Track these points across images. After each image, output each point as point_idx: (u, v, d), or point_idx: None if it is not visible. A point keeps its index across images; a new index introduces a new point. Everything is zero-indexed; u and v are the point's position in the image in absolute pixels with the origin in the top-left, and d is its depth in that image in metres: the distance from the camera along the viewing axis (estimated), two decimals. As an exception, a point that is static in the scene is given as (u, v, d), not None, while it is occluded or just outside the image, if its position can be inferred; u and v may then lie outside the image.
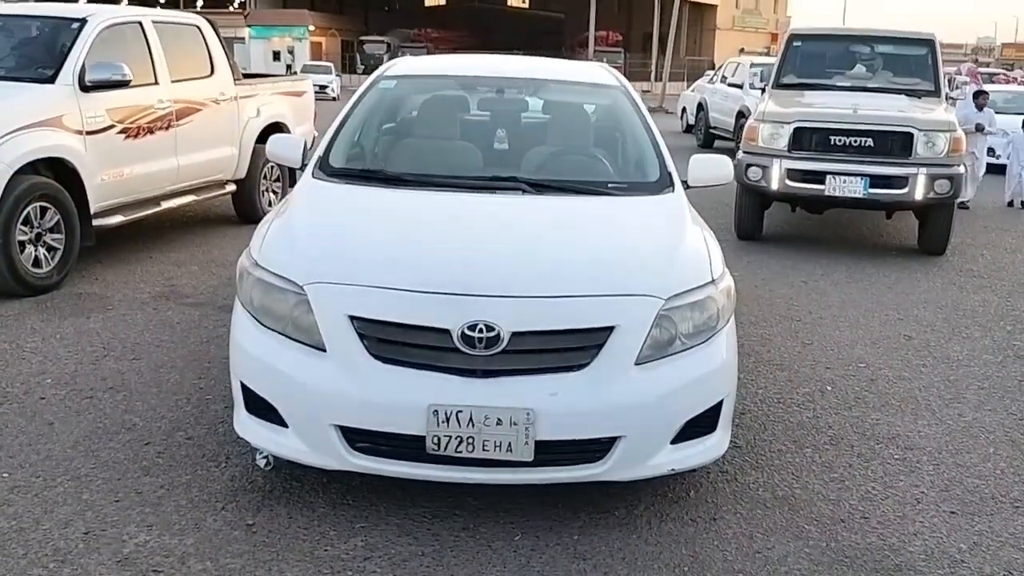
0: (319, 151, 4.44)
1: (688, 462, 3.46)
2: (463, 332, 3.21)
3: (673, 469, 3.44)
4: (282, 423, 3.42)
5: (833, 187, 8.33)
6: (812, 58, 10.06)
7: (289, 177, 9.63)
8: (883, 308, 6.80)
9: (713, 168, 4.52)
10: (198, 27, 8.37)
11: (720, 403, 3.50)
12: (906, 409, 4.76)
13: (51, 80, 6.57)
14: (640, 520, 3.52)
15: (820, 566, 3.26)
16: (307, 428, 3.35)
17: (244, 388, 3.50)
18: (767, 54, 62.48)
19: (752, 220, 8.95)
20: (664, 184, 4.29)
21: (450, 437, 3.17)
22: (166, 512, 3.47)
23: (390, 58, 57.22)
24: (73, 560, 3.13)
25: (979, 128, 11.72)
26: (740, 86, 17.53)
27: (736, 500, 3.70)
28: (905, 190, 8.28)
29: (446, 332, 3.23)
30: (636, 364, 3.30)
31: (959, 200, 10.14)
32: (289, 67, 44.96)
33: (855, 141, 8.39)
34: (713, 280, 3.58)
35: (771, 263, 8.17)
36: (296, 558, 3.19)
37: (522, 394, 3.20)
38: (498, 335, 3.20)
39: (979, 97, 12.19)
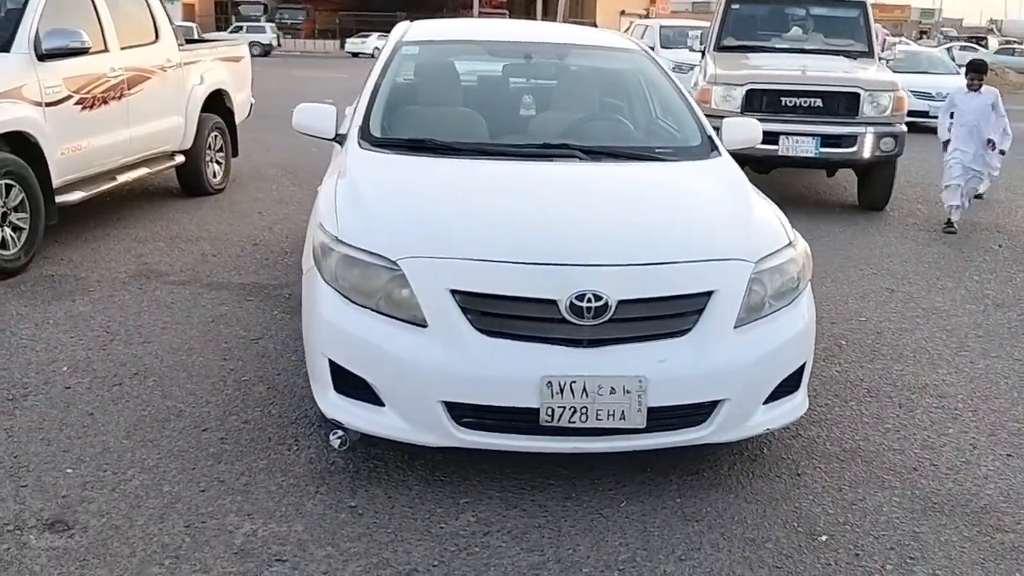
0: (357, 121, 4.31)
1: (779, 421, 3.55)
2: (571, 302, 3.19)
3: (768, 429, 3.53)
4: (377, 401, 3.34)
5: (787, 147, 8.58)
6: (748, 20, 10.28)
7: (232, 148, 9.32)
8: (855, 263, 7.07)
9: (744, 131, 4.60)
10: (140, -10, 7.93)
11: (804, 363, 3.60)
12: (922, 359, 4.99)
13: (5, 49, 6.14)
14: (730, 480, 3.60)
15: (915, 513, 3.40)
16: (410, 405, 3.28)
17: (334, 367, 3.39)
18: (647, 16, 63.31)
19: (705, 181, 9.11)
20: (708, 148, 4.34)
21: (564, 408, 3.16)
22: (259, 499, 3.35)
23: (267, 19, 54.81)
24: (187, 555, 3.00)
25: (990, 144, 8.30)
26: (652, 48, 17.79)
27: (809, 455, 3.82)
28: (854, 148, 8.60)
29: (553, 303, 3.22)
30: (734, 328, 3.35)
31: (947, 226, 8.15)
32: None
33: (805, 102, 8.65)
34: (791, 243, 3.67)
35: (731, 223, 8.36)
36: (416, 537, 3.14)
37: (632, 362, 3.22)
38: (606, 304, 3.21)
39: (974, 75, 8.26)
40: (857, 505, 3.45)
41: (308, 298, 3.58)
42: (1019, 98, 27.67)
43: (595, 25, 56.43)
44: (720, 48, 10.03)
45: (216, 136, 8.94)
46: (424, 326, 3.26)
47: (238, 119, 9.49)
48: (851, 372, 4.76)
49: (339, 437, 3.62)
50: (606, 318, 3.22)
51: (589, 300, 3.20)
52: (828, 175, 9.87)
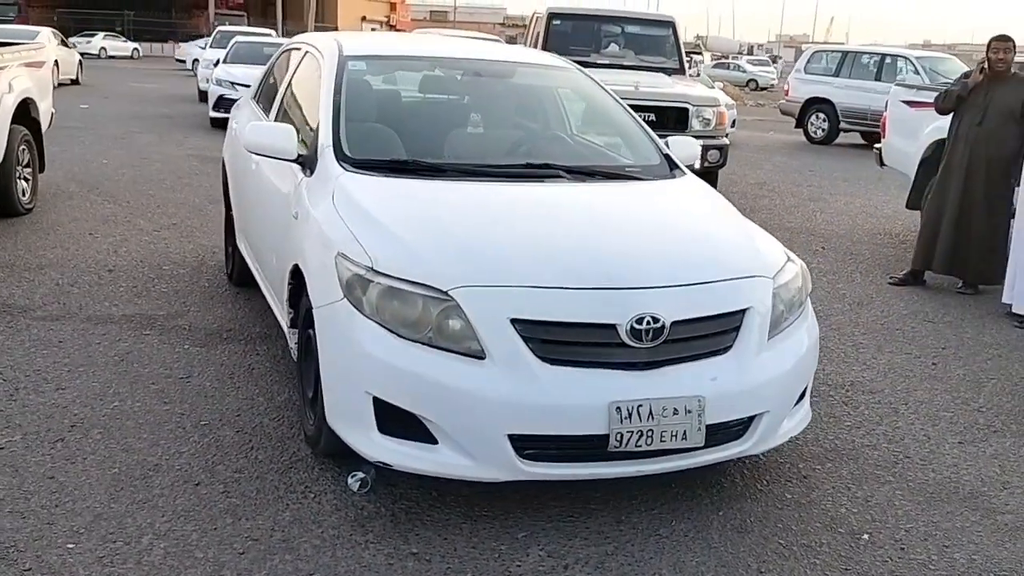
0: (325, 141, 4.04)
1: (797, 428, 3.73)
2: (631, 326, 3.20)
3: (792, 436, 3.70)
4: (430, 439, 3.18)
5: (627, 159, 8.93)
6: (568, 36, 10.61)
7: (38, 161, 8.40)
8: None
9: (687, 148, 4.76)
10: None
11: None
12: (833, 358, 5.38)
13: None
14: (751, 489, 3.73)
15: (922, 504, 3.69)
16: (474, 440, 3.15)
17: (380, 405, 3.19)
18: (389, 23, 63.30)
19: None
20: (671, 166, 4.47)
21: (632, 432, 3.16)
22: (310, 555, 3.08)
23: (-33, 19, 49.57)
24: (274, 627, 2.71)
25: None
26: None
27: (801, 457, 4.03)
28: (686, 160, 9.09)
29: (612, 327, 3.20)
30: (767, 341, 3.49)
31: None
32: None
33: (641, 116, 9.00)
34: (790, 259, 3.86)
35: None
36: (500, 579, 3.02)
37: (689, 382, 3.26)
38: (662, 326, 3.23)
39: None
40: (871, 501, 3.69)
41: (338, 334, 3.32)
42: (738, 108, 30.43)
43: (337, 30, 55.86)
44: (545, 62, 10.26)
45: (24, 150, 8.02)
46: (481, 357, 3.14)
47: (43, 130, 8.58)
48: (784, 374, 5.05)
49: (358, 480, 3.45)
50: (661, 340, 3.25)
51: (648, 323, 3.21)
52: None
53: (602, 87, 4.94)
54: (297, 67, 5.00)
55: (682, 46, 10.56)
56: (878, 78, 18.52)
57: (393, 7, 64.88)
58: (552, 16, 10.54)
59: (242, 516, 3.31)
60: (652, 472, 3.35)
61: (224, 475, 3.60)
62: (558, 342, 3.18)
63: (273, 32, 25.90)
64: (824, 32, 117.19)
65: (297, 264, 3.77)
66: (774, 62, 38.44)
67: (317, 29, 51.84)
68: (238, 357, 4.88)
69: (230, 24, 41.26)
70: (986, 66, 6.70)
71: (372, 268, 3.26)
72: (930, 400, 4.82)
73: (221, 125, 15.44)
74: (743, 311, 3.44)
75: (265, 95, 5.57)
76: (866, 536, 3.42)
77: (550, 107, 4.97)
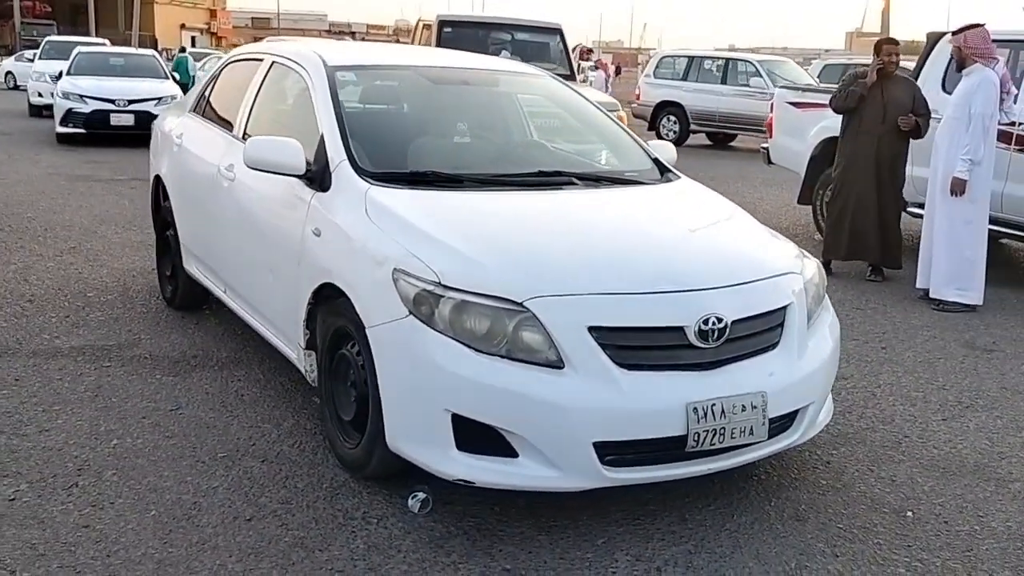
0: (336, 155, 3.90)
1: (828, 418, 3.87)
2: (699, 327, 3.26)
3: (825, 425, 3.85)
4: (510, 453, 3.14)
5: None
6: (458, 43, 10.58)
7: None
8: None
9: (667, 151, 4.87)
10: None
11: (835, 360, 3.98)
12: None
13: None
14: (789, 479, 3.85)
15: (940, 480, 3.92)
16: (558, 451, 3.12)
17: (459, 422, 3.12)
18: (210, 31, 61.19)
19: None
20: (664, 170, 4.56)
21: (707, 431, 3.22)
22: (404, 583, 2.98)
23: None
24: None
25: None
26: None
27: (816, 446, 4.19)
28: (593, 163, 9.29)
29: (680, 329, 3.26)
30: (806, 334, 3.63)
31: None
32: None
33: (545, 121, 9.15)
34: (806, 255, 4.02)
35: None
36: (603, 587, 3.02)
37: (751, 378, 3.35)
38: (726, 325, 3.31)
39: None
40: (896, 480, 3.89)
41: (405, 351, 3.21)
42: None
43: (155, 40, 53.58)
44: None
45: None
46: (559, 367, 3.12)
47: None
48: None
49: (419, 500, 3.38)
50: (724, 339, 3.32)
51: (713, 323, 3.28)
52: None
53: (580, 94, 4.99)
54: (264, 79, 4.79)
55: (571, 52, 10.75)
56: (723, 81, 19.43)
57: (213, 14, 62.75)
58: (443, 23, 10.52)
59: (313, 548, 3.16)
60: (721, 469, 3.42)
61: (272, 507, 3.42)
62: (632, 347, 3.21)
63: (107, 41, 24.56)
64: (638, 39, 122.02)
65: (327, 283, 3.62)
66: (618, 72, 39.57)
67: (139, 37, 49.66)
68: (219, 384, 4.63)
69: (36, 33, 38.87)
70: (879, 67, 7.17)
71: (440, 283, 3.18)
72: (897, 382, 5.12)
73: (69, 141, 14.71)
74: (785, 307, 3.56)
75: (215, 108, 5.31)
76: (910, 513, 3.61)
77: (547, 113, 4.98)
